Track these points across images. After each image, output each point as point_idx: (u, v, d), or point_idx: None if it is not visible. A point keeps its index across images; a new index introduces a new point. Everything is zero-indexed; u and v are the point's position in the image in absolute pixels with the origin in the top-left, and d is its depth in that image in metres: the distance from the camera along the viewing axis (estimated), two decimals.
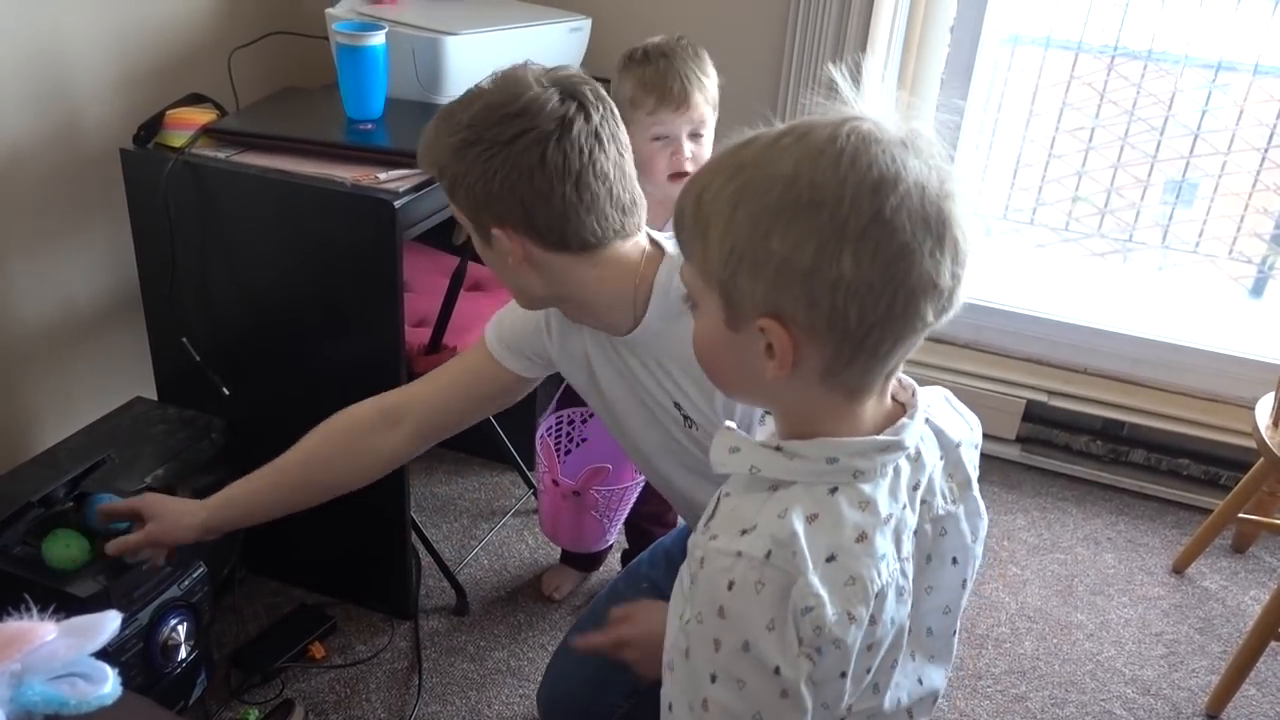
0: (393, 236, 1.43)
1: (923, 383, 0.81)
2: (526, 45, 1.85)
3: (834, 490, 0.73)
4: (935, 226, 0.67)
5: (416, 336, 1.65)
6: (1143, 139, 2.68)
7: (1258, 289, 2.89)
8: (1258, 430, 1.78)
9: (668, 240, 1.10)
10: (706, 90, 1.53)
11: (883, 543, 0.73)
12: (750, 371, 0.72)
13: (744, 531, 0.72)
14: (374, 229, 1.44)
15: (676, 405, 1.12)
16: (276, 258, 1.53)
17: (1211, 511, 2.08)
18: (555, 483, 1.67)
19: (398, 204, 1.42)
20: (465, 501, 2.10)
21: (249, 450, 1.62)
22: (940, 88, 2.17)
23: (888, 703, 0.81)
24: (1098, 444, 2.28)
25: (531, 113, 1.00)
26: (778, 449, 0.74)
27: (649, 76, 1.50)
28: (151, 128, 1.55)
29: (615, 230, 1.05)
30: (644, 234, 1.11)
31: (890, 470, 0.75)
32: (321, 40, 1.86)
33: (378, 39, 1.57)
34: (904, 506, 0.76)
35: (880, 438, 0.74)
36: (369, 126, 1.61)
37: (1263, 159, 2.62)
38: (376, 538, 1.72)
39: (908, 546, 0.77)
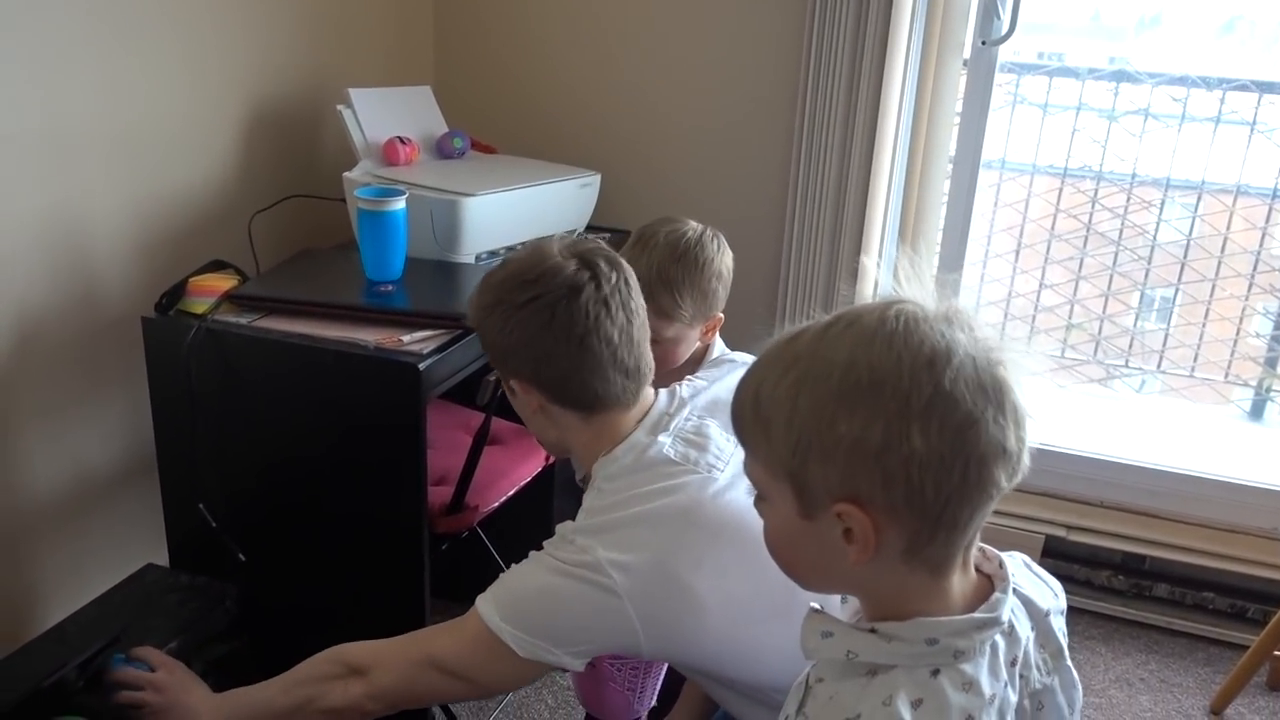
0: (417, 399, 1.43)
1: None
2: (539, 203, 1.89)
3: (936, 673, 0.71)
4: (993, 394, 0.70)
5: (438, 496, 1.62)
6: (1131, 266, 2.75)
7: (1256, 411, 2.93)
8: None
9: (640, 436, 1.16)
10: (664, 302, 1.39)
11: None
12: (830, 559, 0.73)
13: (848, 717, 0.71)
14: (398, 392, 1.43)
15: None
16: (298, 421, 1.52)
17: (1242, 646, 2.05)
18: None
19: (422, 366, 1.42)
20: None
21: (264, 618, 1.59)
22: (944, 214, 2.22)
23: None
24: (1120, 579, 2.25)
25: (546, 279, 1.11)
26: (873, 631, 0.73)
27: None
28: (174, 295, 1.56)
29: (617, 395, 1.14)
30: (651, 400, 1.20)
31: (988, 648, 0.74)
32: (336, 201, 1.90)
33: (399, 204, 1.60)
34: (1005, 684, 0.75)
35: (977, 615, 0.73)
36: (389, 288, 1.62)
37: (1250, 283, 2.69)
38: None
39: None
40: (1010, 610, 0.76)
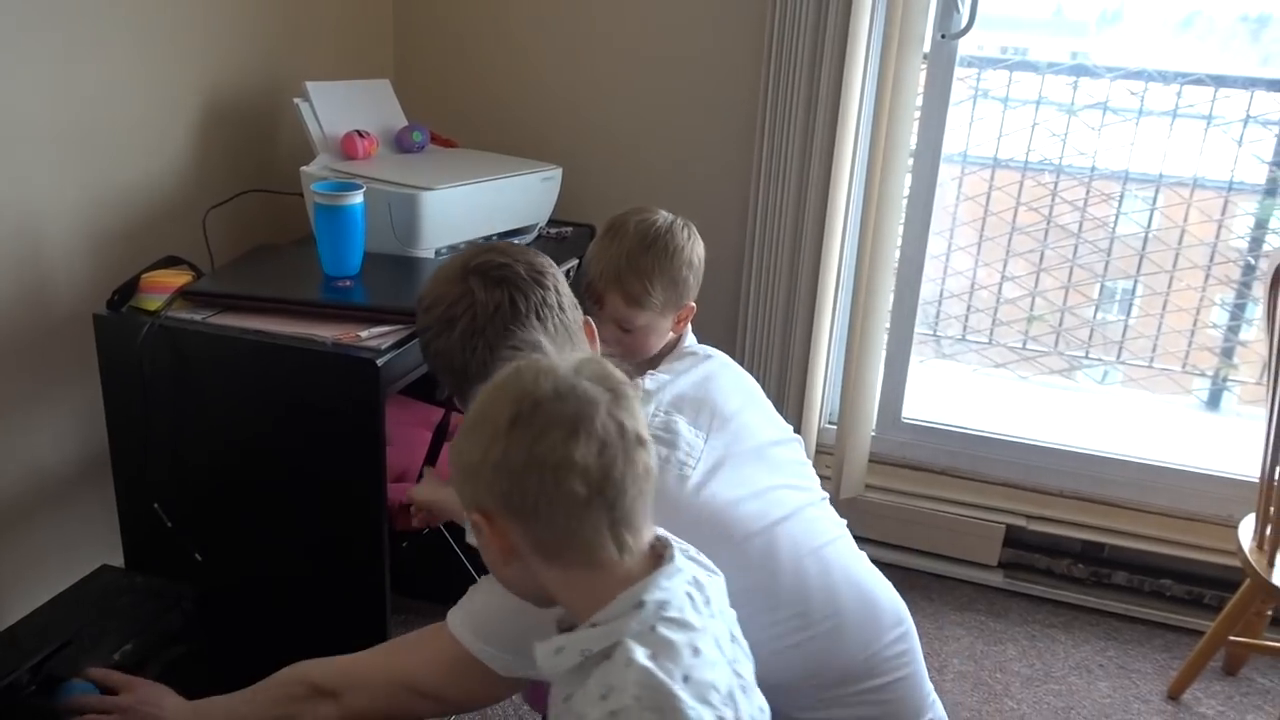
0: (376, 395, 1.42)
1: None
2: (500, 197, 1.88)
3: (654, 628, 0.84)
4: (575, 420, 0.83)
5: (397, 493, 1.61)
6: (1091, 259, 2.78)
7: (1213, 401, 2.97)
8: (1242, 551, 1.79)
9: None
10: (634, 290, 1.41)
11: (710, 649, 0.86)
12: (509, 571, 0.91)
13: (603, 696, 0.81)
14: (357, 388, 1.42)
15: None
16: (254, 419, 1.51)
17: (1198, 632, 2.08)
18: None
19: (380, 362, 1.41)
20: None
21: (222, 619, 1.57)
22: (905, 208, 2.23)
23: None
24: (1080, 567, 2.28)
25: (462, 305, 1.13)
26: (593, 625, 0.85)
27: (590, 252, 1.49)
28: (126, 292, 1.53)
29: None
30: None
31: (686, 596, 0.87)
32: (293, 196, 1.88)
33: (356, 199, 1.58)
34: (710, 618, 0.89)
35: (662, 569, 0.87)
36: (347, 283, 1.61)
37: (1207, 275, 2.73)
38: None
39: (730, 650, 0.90)
40: (691, 566, 0.91)
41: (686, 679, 0.81)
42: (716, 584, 0.95)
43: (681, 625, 0.84)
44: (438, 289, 1.17)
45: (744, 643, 0.96)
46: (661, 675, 0.80)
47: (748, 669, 0.94)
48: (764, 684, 0.96)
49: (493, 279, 1.14)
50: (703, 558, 0.96)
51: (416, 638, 1.15)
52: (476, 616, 1.08)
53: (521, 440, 0.82)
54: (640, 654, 0.81)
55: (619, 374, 0.89)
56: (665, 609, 0.84)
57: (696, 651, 0.84)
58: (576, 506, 0.82)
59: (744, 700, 0.87)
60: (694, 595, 0.88)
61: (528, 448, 0.82)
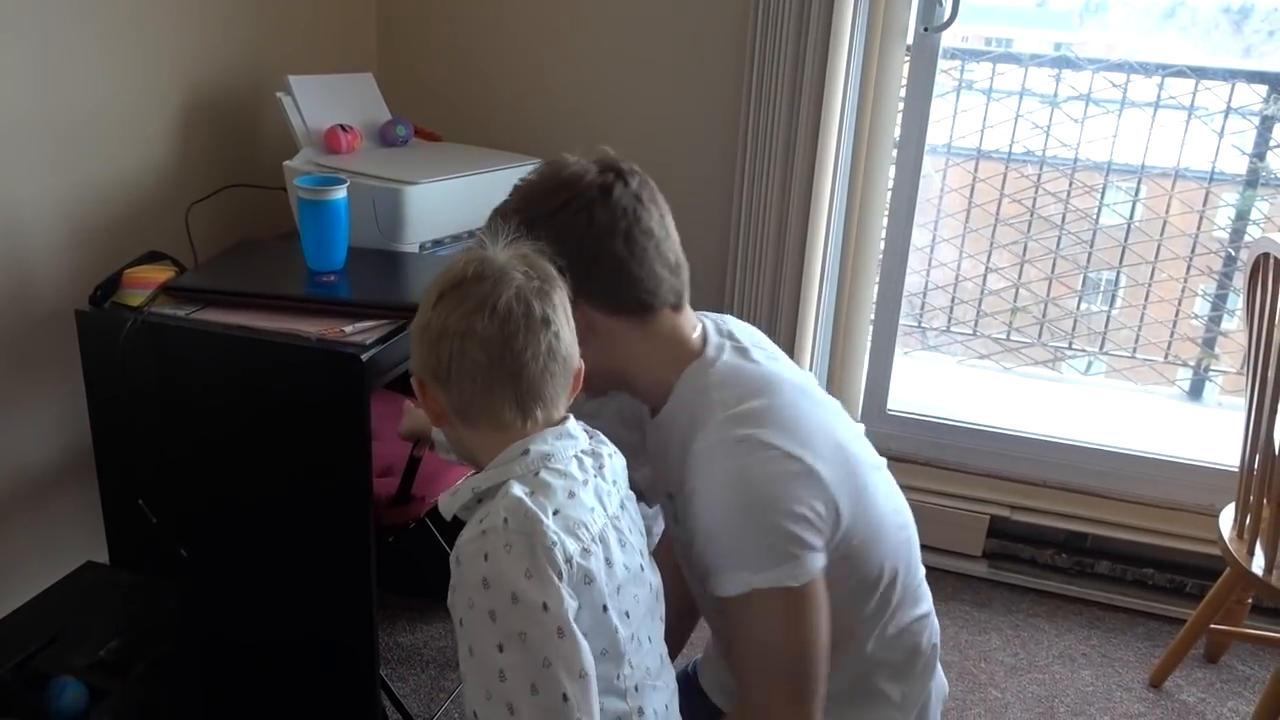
0: (361, 390, 1.41)
1: None
2: (484, 191, 1.87)
3: (538, 473, 0.95)
4: (483, 299, 0.94)
5: (383, 487, 1.61)
6: (1074, 250, 2.80)
7: (1195, 391, 3.00)
8: (1222, 540, 1.81)
9: (714, 337, 1.16)
10: None
11: (588, 497, 0.96)
12: (443, 434, 1.07)
13: (481, 520, 0.92)
14: (342, 384, 1.42)
15: (670, 496, 1.14)
16: (239, 415, 1.50)
17: (1179, 620, 2.10)
18: None
19: (365, 357, 1.40)
20: (431, 650, 2.02)
21: (209, 616, 1.56)
22: (889, 200, 2.24)
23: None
24: (1063, 557, 2.30)
25: (572, 183, 1.08)
26: (486, 471, 0.96)
27: None
28: (109, 288, 1.53)
29: (667, 293, 1.11)
30: (695, 318, 1.16)
31: (573, 458, 0.98)
32: (277, 190, 1.87)
33: (340, 193, 1.58)
34: (595, 476, 0.99)
35: (553, 428, 0.98)
36: (332, 278, 1.60)
37: (1189, 266, 2.75)
38: (343, 697, 1.65)
39: (613, 510, 0.99)
40: (591, 442, 1.02)
41: (557, 512, 0.92)
42: (617, 463, 1.05)
43: (562, 474, 0.95)
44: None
45: (640, 521, 1.06)
46: (530, 503, 0.91)
47: (638, 539, 1.03)
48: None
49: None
50: (609, 443, 1.06)
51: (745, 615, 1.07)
52: (747, 553, 1.07)
53: (441, 313, 0.95)
54: (518, 488, 0.92)
55: (549, 267, 0.99)
56: (549, 460, 0.95)
57: (572, 495, 0.94)
58: (479, 372, 0.94)
59: (618, 551, 0.96)
60: (583, 460, 0.99)
61: (443, 319, 0.95)
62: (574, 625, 0.88)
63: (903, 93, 2.15)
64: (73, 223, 1.66)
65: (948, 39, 2.17)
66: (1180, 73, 2.58)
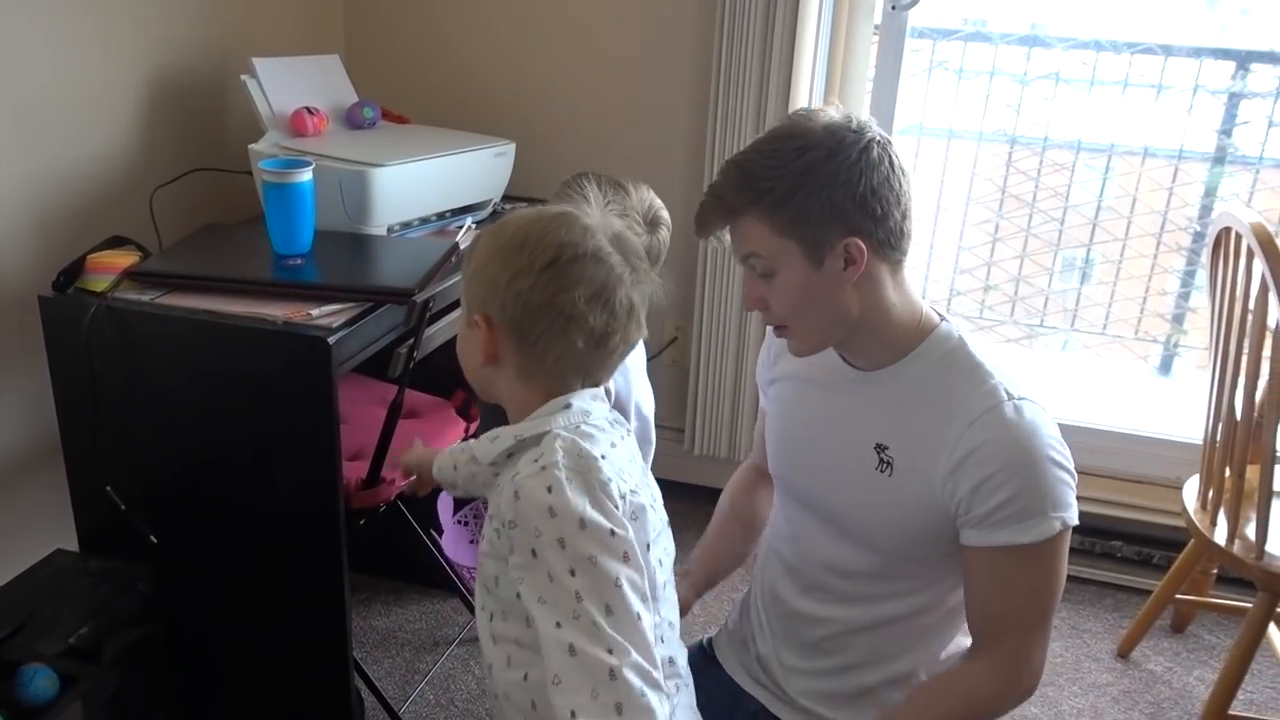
0: (328, 373, 1.41)
1: None
2: (453, 173, 1.87)
3: (579, 425, 0.98)
4: (600, 288, 0.96)
5: (353, 471, 1.61)
6: (1045, 228, 2.81)
7: (1165, 366, 3.03)
8: (1186, 512, 1.83)
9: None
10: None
11: (623, 455, 1.00)
12: (484, 374, 1.04)
13: (537, 459, 0.95)
14: (308, 367, 1.41)
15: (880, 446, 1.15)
16: (206, 400, 1.49)
17: (1147, 592, 2.13)
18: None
19: (332, 340, 1.40)
20: (406, 633, 2.03)
21: (179, 601, 1.56)
22: None
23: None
24: None
25: (856, 130, 1.09)
26: (530, 420, 0.99)
27: None
28: (72, 273, 1.51)
29: (909, 244, 1.12)
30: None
31: (604, 418, 1.02)
32: (243, 174, 1.86)
33: (305, 176, 1.57)
34: (624, 440, 1.03)
35: (587, 389, 1.02)
36: (298, 261, 1.59)
37: (1158, 243, 2.78)
38: (317, 681, 1.65)
39: (637, 478, 1.01)
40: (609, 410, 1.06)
41: (603, 457, 0.96)
42: (631, 441, 1.08)
43: (602, 429, 0.99)
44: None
45: (654, 486, 1.08)
46: (586, 444, 0.95)
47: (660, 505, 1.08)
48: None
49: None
50: (623, 420, 1.09)
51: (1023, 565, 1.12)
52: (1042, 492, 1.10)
53: (550, 284, 0.95)
54: (566, 432, 0.96)
55: (641, 249, 1.02)
56: (588, 417, 0.99)
57: (614, 445, 0.99)
58: (571, 352, 0.97)
59: (653, 512, 1.01)
60: (614, 425, 1.03)
61: (553, 293, 0.95)
62: (637, 550, 0.93)
63: (871, 73, 2.15)
64: (35, 208, 1.64)
65: (921, 18, 2.17)
66: (1148, 50, 2.59)
